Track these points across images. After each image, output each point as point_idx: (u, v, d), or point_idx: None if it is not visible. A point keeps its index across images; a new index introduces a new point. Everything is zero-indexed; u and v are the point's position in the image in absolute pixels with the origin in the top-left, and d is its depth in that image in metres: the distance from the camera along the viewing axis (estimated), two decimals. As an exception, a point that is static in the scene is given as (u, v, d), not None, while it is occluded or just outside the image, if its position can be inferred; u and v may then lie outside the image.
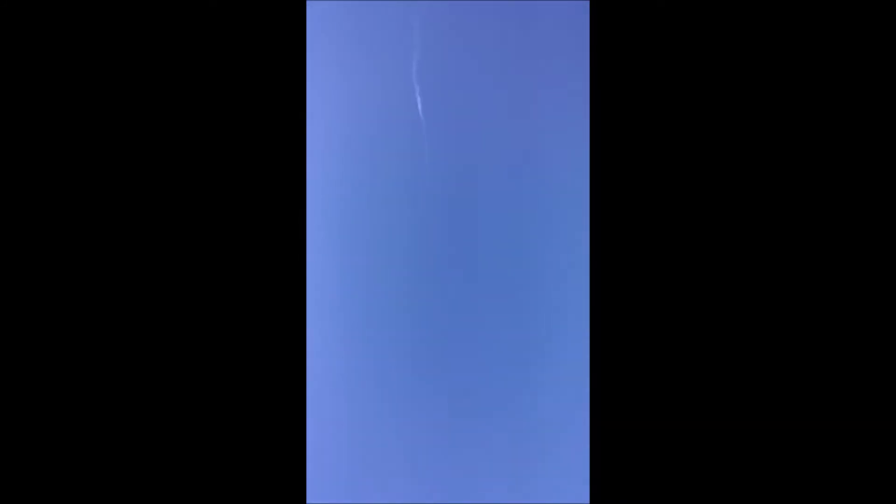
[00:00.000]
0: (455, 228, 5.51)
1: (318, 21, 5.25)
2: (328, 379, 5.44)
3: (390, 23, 5.31)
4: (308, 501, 5.16)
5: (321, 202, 5.43)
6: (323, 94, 5.35)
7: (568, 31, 5.22)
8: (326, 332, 5.45)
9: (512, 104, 5.42)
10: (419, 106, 4.94)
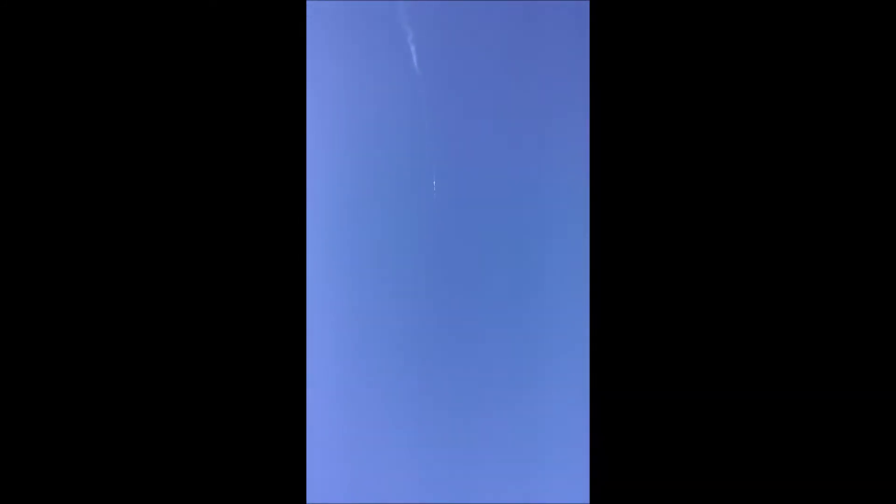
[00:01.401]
0: (454, 227, 5.51)
1: (317, 21, 5.25)
2: (328, 379, 5.44)
3: (390, 21, 5.32)
4: (308, 501, 5.16)
5: (322, 202, 5.43)
6: (322, 92, 5.35)
7: (568, 31, 5.22)
8: (326, 331, 5.45)
9: (511, 104, 5.42)
10: (413, 56, 4.83)
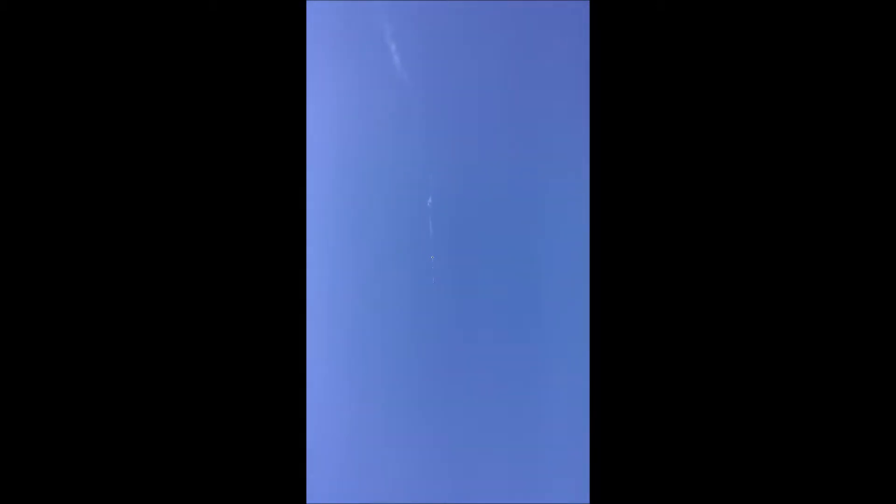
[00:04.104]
0: (453, 228, 5.51)
1: (317, 21, 5.25)
2: (328, 379, 5.44)
3: (389, 21, 5.32)
4: (308, 502, 5.16)
5: (321, 201, 5.43)
6: (322, 92, 5.35)
7: (568, 31, 5.22)
8: (326, 331, 5.46)
9: (510, 104, 5.43)
10: (395, 59, 4.77)
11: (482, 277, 5.51)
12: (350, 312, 5.50)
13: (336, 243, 5.49)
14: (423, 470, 5.38)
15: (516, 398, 5.40)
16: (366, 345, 5.50)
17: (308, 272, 5.24)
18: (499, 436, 5.39)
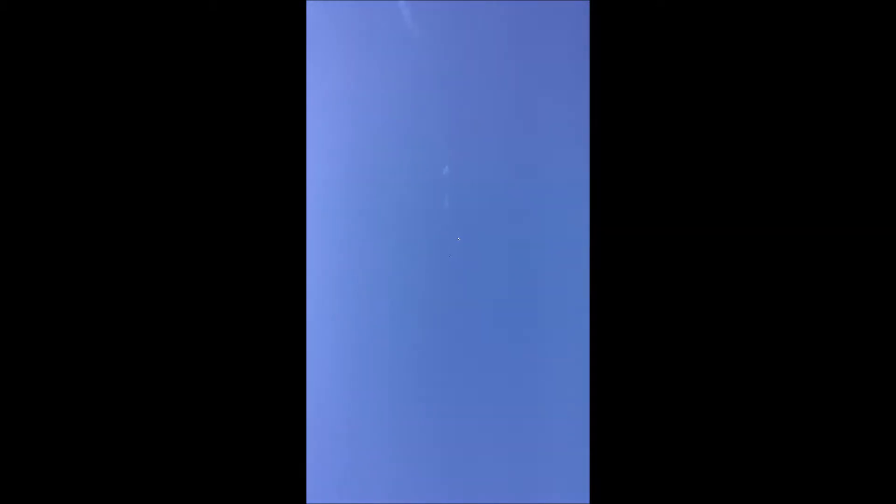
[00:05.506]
0: (453, 227, 5.51)
1: (318, 20, 5.25)
2: (328, 379, 5.44)
3: (389, 20, 5.32)
4: (308, 502, 5.16)
5: (321, 201, 5.43)
6: (322, 92, 5.35)
7: (568, 31, 5.22)
8: (327, 332, 5.46)
9: (511, 104, 5.43)
10: (406, 15, 4.69)
11: (482, 278, 5.51)
12: (350, 312, 5.50)
13: (336, 244, 5.49)
14: (423, 470, 5.39)
15: (517, 398, 5.40)
16: (366, 344, 5.50)
17: (308, 269, 5.24)
18: (499, 436, 5.39)
